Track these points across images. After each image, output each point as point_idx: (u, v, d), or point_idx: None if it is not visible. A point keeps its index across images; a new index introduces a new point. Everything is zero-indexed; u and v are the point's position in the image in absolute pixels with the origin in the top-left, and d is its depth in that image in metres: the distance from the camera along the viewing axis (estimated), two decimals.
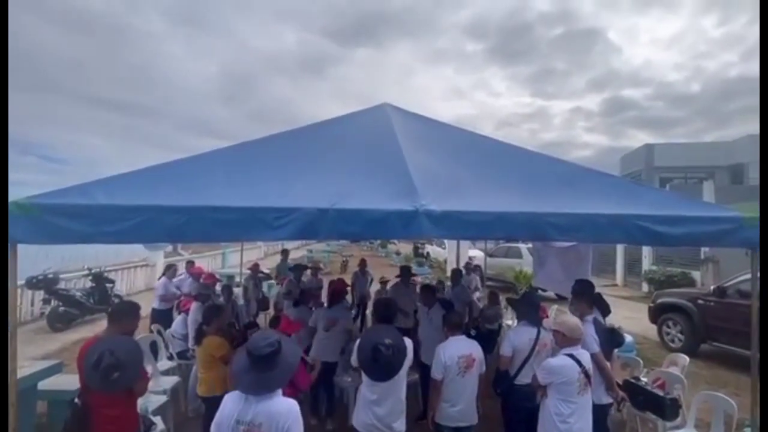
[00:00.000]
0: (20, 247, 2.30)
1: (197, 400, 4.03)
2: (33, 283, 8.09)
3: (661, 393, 3.63)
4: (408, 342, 2.88)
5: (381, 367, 2.66)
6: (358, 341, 2.90)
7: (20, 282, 7.09)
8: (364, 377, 2.82)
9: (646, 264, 14.25)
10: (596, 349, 3.02)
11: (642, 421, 3.95)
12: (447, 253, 16.80)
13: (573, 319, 2.89)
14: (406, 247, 25.17)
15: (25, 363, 3.64)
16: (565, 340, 2.76)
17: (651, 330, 8.13)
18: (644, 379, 3.91)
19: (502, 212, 2.59)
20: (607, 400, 3.14)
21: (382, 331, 2.83)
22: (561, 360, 2.70)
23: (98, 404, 2.28)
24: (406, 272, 6.32)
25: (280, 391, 1.96)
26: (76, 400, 2.32)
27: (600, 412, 3.00)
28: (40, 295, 8.47)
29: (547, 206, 2.71)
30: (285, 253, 9.31)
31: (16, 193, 2.29)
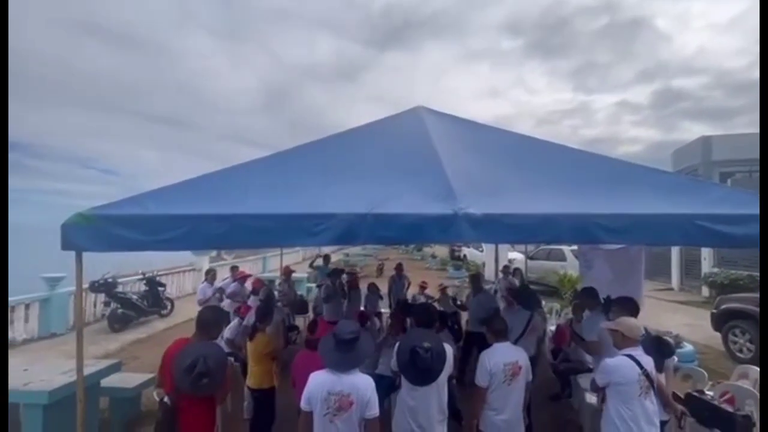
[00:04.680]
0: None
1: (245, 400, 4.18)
2: (95, 287, 8.77)
3: (730, 409, 3.30)
4: (448, 348, 2.82)
5: (419, 371, 2.63)
6: (397, 344, 2.88)
7: (84, 286, 7.69)
8: (404, 382, 2.79)
9: (707, 266, 13.09)
10: None
11: None
12: (485, 256, 16.39)
13: (631, 319, 2.78)
14: (442, 250, 24.77)
15: (88, 362, 3.94)
16: (624, 340, 2.65)
17: (714, 338, 7.46)
18: (710, 393, 3.58)
19: (547, 214, 2.48)
20: (663, 416, 2.88)
21: (422, 335, 2.81)
22: (618, 360, 2.58)
23: (186, 405, 2.47)
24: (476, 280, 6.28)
25: (357, 369, 2.34)
26: (166, 399, 2.50)
27: None
28: (101, 298, 9.17)
29: (595, 207, 2.57)
30: (327, 258, 9.44)
31: (79, 204, 2.51)
